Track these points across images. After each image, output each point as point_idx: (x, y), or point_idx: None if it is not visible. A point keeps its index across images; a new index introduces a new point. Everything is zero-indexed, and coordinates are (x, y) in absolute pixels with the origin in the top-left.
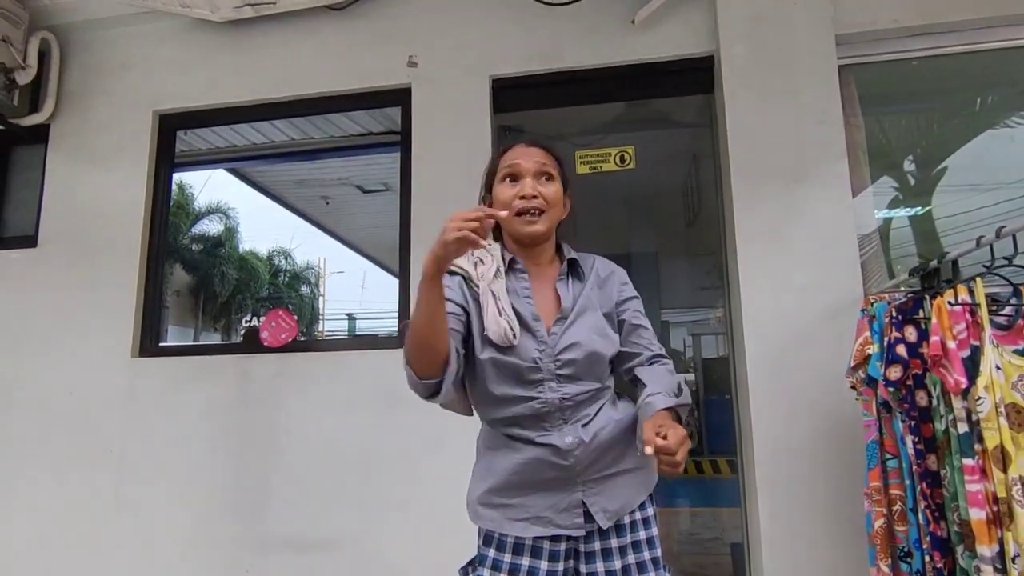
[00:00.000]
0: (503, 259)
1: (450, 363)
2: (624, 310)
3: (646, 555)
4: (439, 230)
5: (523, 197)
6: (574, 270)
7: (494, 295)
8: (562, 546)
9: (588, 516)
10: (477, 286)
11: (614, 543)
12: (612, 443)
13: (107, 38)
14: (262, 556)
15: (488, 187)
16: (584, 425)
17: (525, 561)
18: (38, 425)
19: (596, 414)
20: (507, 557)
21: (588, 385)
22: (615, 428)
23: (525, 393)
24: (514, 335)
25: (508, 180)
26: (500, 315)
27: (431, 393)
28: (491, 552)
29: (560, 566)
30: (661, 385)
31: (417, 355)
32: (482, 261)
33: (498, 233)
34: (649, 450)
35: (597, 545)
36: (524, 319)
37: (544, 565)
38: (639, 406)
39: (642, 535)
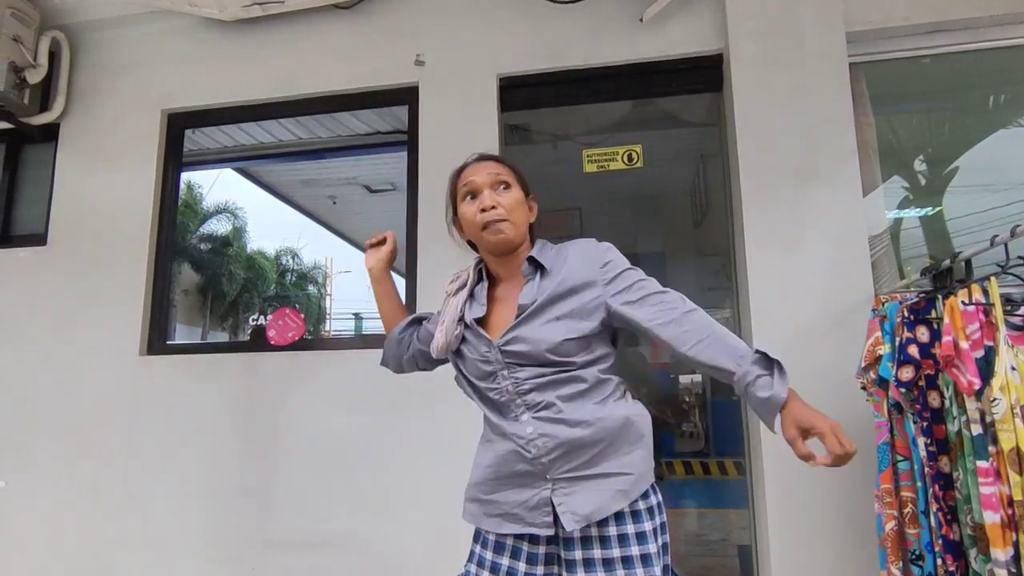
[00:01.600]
0: (475, 270)
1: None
2: (618, 292)
3: (638, 572)
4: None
5: (483, 210)
6: (540, 268)
7: (446, 307)
8: (541, 549)
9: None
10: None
11: (598, 554)
12: (589, 443)
13: (117, 37)
14: (268, 554)
15: (453, 211)
16: (551, 418)
17: (504, 561)
18: (46, 422)
19: (569, 407)
20: (489, 554)
21: (542, 370)
22: (597, 428)
23: (484, 384)
24: (446, 349)
25: (469, 198)
26: (440, 326)
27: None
28: (477, 548)
29: (539, 570)
30: (733, 357)
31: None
32: (457, 277)
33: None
34: (823, 460)
35: (578, 554)
36: (468, 324)
37: (522, 567)
38: (746, 396)
39: (634, 551)
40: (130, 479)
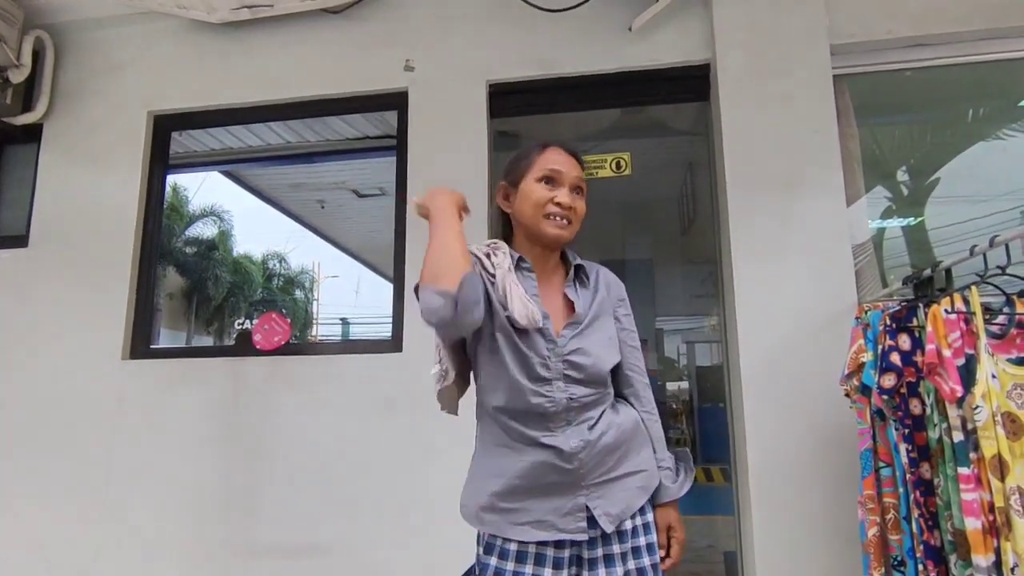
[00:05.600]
0: (511, 256)
1: (470, 278)
2: (620, 328)
3: (646, 561)
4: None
5: (558, 204)
6: (579, 276)
7: (515, 282)
8: (566, 553)
9: (591, 521)
10: (493, 274)
11: (616, 549)
12: (614, 447)
13: (102, 38)
14: (252, 562)
15: (512, 178)
16: (590, 428)
17: (528, 569)
18: (26, 427)
19: (599, 417)
20: (510, 565)
21: (594, 389)
22: (616, 432)
23: (534, 387)
24: (538, 319)
25: (545, 182)
26: (523, 299)
27: (449, 307)
28: (493, 560)
29: (564, 573)
30: (665, 451)
31: (443, 266)
32: (494, 253)
33: (508, 231)
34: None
35: (600, 551)
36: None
37: (548, 573)
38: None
39: (642, 540)
40: (112, 485)
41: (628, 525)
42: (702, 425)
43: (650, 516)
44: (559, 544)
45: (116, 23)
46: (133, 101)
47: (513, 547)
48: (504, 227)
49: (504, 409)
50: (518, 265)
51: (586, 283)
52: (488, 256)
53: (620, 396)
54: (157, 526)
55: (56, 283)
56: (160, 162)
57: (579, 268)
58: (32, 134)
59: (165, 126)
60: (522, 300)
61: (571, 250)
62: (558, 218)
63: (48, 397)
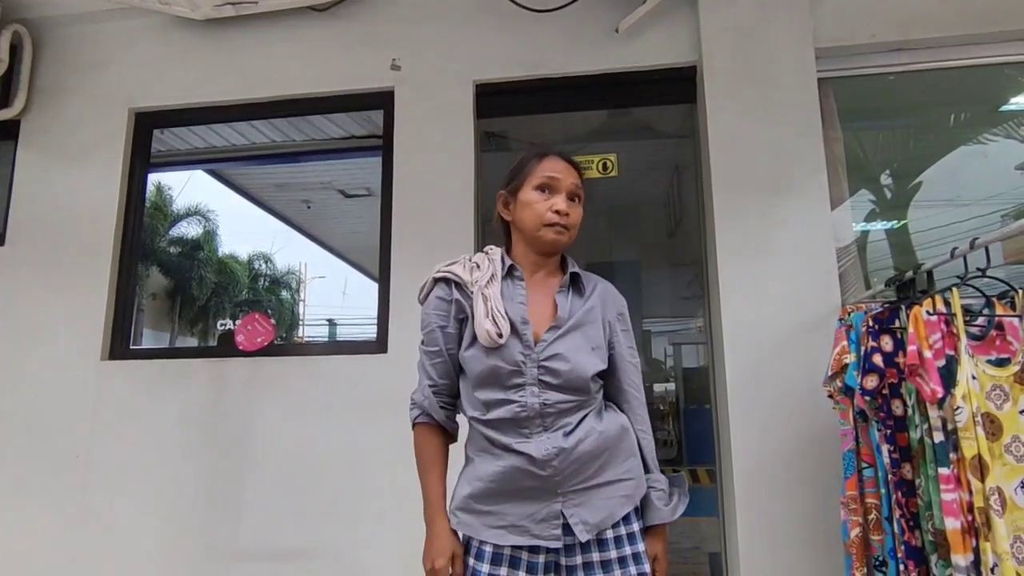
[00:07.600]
0: (503, 264)
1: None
2: (618, 342)
3: (632, 571)
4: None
5: (556, 212)
6: (575, 284)
7: (485, 298)
8: (541, 558)
9: (568, 528)
10: (471, 292)
11: (596, 557)
12: (594, 454)
13: (83, 33)
14: (234, 567)
15: (512, 187)
16: (566, 434)
17: (503, 571)
18: (2, 428)
19: (579, 424)
20: (485, 567)
21: (571, 396)
22: (598, 439)
23: (505, 396)
24: (499, 335)
25: (544, 190)
26: (487, 316)
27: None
28: (470, 561)
29: None
30: (659, 472)
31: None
32: (478, 267)
33: (509, 238)
34: None
35: (579, 559)
36: (513, 322)
37: None
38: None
39: (627, 550)
40: (90, 489)
41: (610, 534)
42: (688, 426)
43: (636, 526)
44: (534, 549)
45: (97, 18)
46: (114, 98)
47: (488, 549)
48: (506, 234)
49: (478, 420)
50: (509, 273)
51: (581, 292)
52: (472, 272)
53: (620, 409)
54: (136, 530)
55: (33, 283)
56: (141, 160)
57: (576, 276)
58: (9, 131)
59: (147, 124)
60: (482, 319)
61: (571, 258)
62: (556, 227)
63: (24, 400)
